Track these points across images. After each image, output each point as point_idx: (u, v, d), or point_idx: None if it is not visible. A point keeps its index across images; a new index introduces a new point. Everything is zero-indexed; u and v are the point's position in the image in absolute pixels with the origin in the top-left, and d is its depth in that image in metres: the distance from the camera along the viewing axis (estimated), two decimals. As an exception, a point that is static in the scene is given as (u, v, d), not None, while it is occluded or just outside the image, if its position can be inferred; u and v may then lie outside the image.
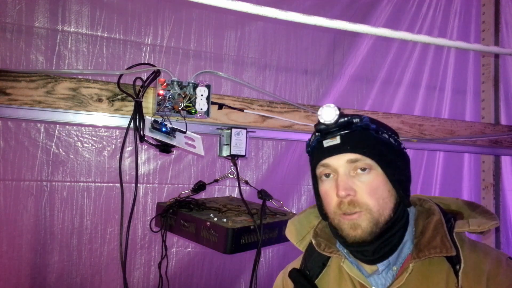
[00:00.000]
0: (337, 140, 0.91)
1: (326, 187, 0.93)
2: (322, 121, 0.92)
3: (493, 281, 0.84)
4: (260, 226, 1.32)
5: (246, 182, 1.59)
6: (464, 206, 1.00)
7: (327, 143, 0.92)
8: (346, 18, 1.23)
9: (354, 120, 0.92)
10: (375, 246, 0.90)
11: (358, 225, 0.88)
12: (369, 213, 0.88)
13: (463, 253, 0.86)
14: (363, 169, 0.90)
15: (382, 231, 0.89)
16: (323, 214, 0.99)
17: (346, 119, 0.91)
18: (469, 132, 1.94)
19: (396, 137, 0.97)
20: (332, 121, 0.91)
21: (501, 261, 0.87)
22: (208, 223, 1.32)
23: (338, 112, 0.91)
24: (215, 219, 1.33)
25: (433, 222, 0.91)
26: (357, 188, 0.89)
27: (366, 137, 0.91)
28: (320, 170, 0.94)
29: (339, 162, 0.90)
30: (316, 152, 0.94)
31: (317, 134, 0.95)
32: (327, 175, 0.93)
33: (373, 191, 0.89)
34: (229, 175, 1.52)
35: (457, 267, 0.85)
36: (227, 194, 2.27)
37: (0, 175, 1.93)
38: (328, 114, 0.91)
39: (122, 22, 2.13)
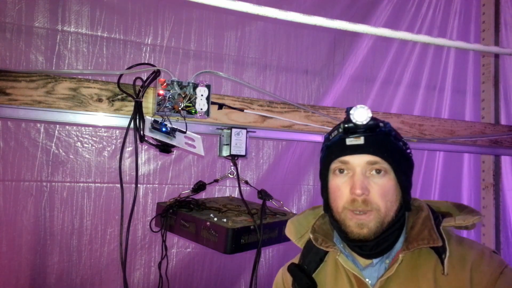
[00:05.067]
0: (361, 141, 0.95)
1: (339, 182, 0.97)
2: (353, 120, 0.95)
3: (476, 270, 0.89)
4: (260, 226, 1.32)
5: (246, 182, 1.59)
6: (453, 207, 1.06)
7: (350, 141, 0.96)
8: (346, 18, 1.23)
9: (380, 124, 0.96)
10: (374, 243, 0.95)
11: (366, 225, 0.93)
12: (377, 214, 0.93)
13: (449, 246, 0.92)
14: (378, 171, 0.95)
15: (383, 231, 0.94)
16: (327, 208, 1.02)
17: (374, 122, 0.95)
18: (469, 132, 1.94)
19: (407, 145, 1.02)
20: (364, 122, 0.94)
21: (484, 253, 0.92)
22: (208, 223, 1.32)
23: (370, 115, 0.95)
24: (215, 219, 1.33)
25: (422, 217, 0.97)
26: (371, 188, 0.94)
27: (387, 142, 0.97)
28: (336, 165, 0.98)
29: (359, 161, 0.94)
30: (336, 148, 0.98)
31: (341, 130, 0.97)
32: (341, 171, 0.97)
33: (385, 194, 0.94)
34: (229, 175, 1.52)
35: (443, 256, 0.90)
36: (227, 194, 2.27)
37: (0, 175, 1.93)
38: (361, 115, 0.95)
39: (122, 22, 2.13)
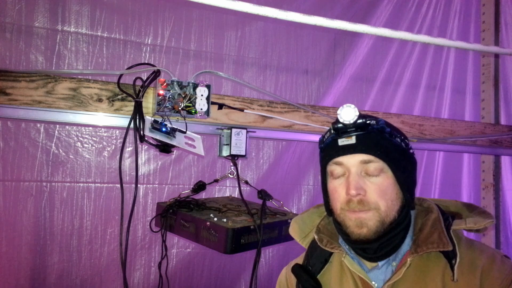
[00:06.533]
0: (352, 140, 0.93)
1: (336, 184, 0.95)
2: (341, 120, 0.93)
3: (486, 276, 0.86)
4: (260, 226, 1.31)
5: (246, 182, 1.59)
6: (463, 207, 1.02)
7: (342, 142, 0.94)
8: (346, 18, 1.23)
9: (371, 122, 0.93)
10: (378, 245, 0.92)
11: (365, 223, 0.90)
12: (377, 213, 0.90)
13: (459, 250, 0.88)
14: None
15: (386, 231, 0.91)
16: (329, 210, 1.01)
17: (363, 120, 0.93)
18: (469, 132, 1.94)
19: (407, 141, 0.99)
20: (351, 121, 0.92)
21: (495, 258, 0.90)
22: (208, 223, 1.31)
23: (357, 113, 0.93)
24: (215, 219, 1.33)
25: (431, 219, 0.94)
26: (368, 188, 0.91)
27: (381, 139, 0.93)
28: (331, 167, 0.96)
29: (353, 161, 0.92)
30: (330, 150, 0.96)
31: (332, 132, 0.96)
32: (338, 172, 0.95)
33: (383, 193, 0.91)
34: (229, 175, 1.52)
35: (453, 261, 0.87)
36: (227, 194, 2.27)
37: (0, 175, 1.93)
38: (348, 114, 0.93)
39: (122, 22, 2.13)
